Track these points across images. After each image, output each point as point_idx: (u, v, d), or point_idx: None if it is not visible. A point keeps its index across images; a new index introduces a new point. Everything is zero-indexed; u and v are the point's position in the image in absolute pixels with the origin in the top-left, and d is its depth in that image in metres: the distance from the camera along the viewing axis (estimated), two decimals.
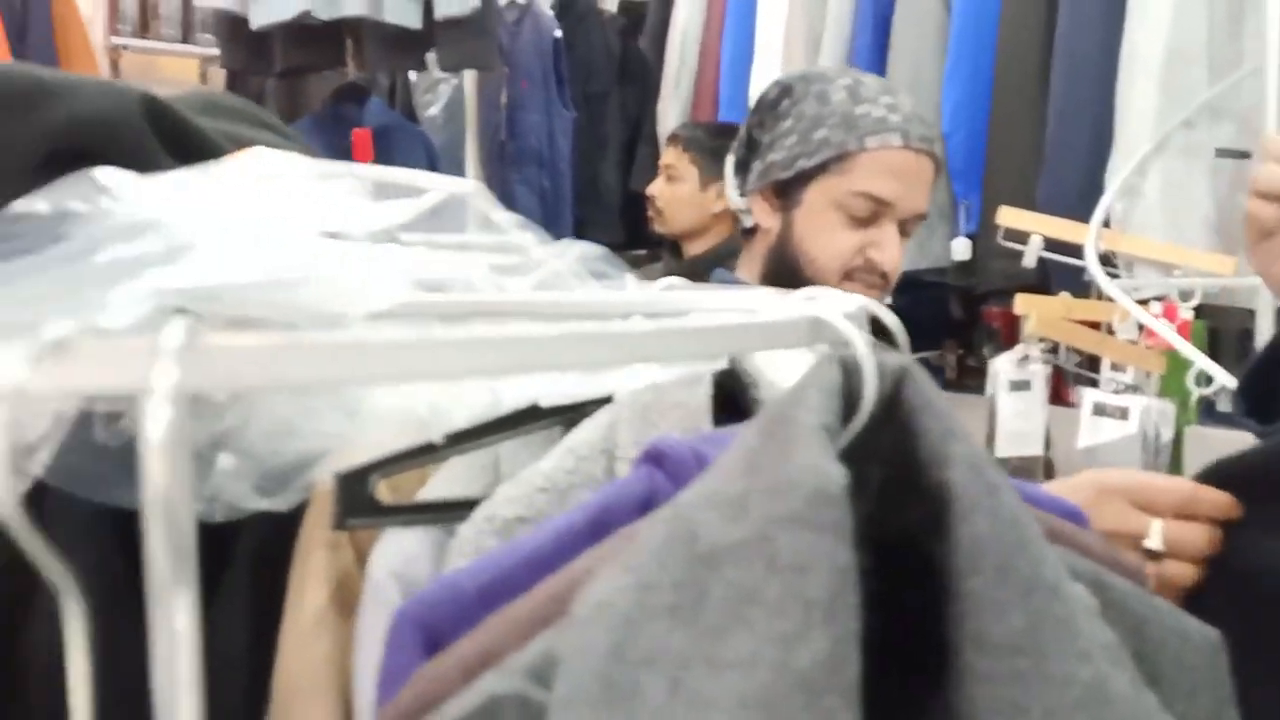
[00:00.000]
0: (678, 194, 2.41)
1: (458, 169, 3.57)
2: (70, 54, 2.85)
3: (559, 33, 3.48)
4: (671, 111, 2.97)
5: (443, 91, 3.38)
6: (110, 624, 0.72)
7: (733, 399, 0.79)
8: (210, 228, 0.49)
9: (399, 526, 0.64)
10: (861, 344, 0.38)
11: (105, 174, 0.45)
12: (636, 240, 3.77)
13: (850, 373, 0.40)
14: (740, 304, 0.66)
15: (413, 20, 2.16)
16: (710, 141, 2.41)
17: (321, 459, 0.67)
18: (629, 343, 0.34)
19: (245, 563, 0.68)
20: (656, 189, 2.51)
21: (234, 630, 0.65)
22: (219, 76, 3.37)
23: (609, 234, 3.72)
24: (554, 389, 0.71)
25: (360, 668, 0.62)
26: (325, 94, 3.01)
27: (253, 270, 0.50)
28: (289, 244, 0.54)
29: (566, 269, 0.62)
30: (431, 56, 2.48)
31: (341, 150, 2.42)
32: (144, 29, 3.09)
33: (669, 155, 2.47)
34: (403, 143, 2.59)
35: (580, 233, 3.69)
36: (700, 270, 2.42)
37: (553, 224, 3.65)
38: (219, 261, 0.49)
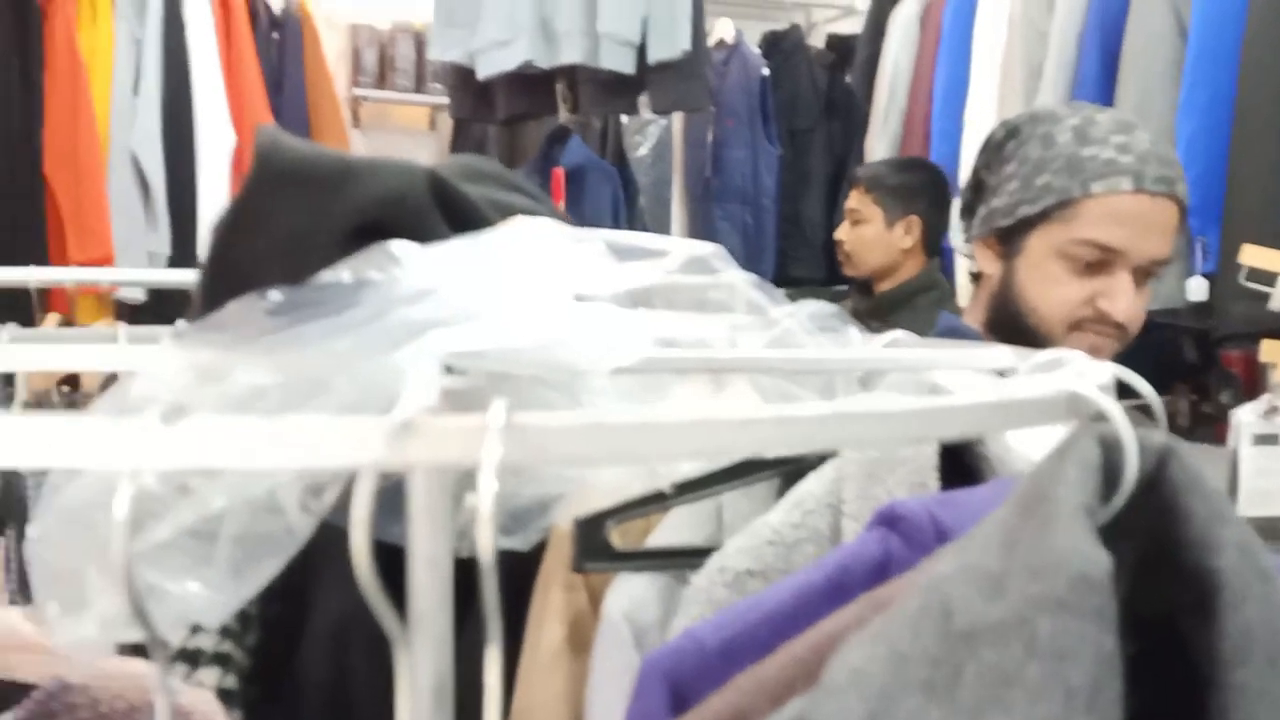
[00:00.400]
0: (864, 236, 2.40)
1: (664, 207, 3.65)
2: (319, 103, 3.11)
3: (766, 70, 3.51)
4: (879, 147, 2.94)
5: (651, 132, 3.47)
6: (363, 649, 0.78)
7: (956, 453, 0.78)
8: (479, 293, 0.54)
9: (631, 571, 0.67)
10: (1123, 421, 0.37)
11: (397, 246, 0.50)
12: (839, 276, 3.74)
13: (1109, 448, 0.39)
14: (976, 362, 0.65)
15: (627, 66, 2.24)
16: (892, 179, 2.40)
17: (558, 501, 0.71)
18: (893, 421, 0.35)
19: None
20: (843, 233, 2.51)
21: (475, 661, 0.69)
22: (446, 123, 3.60)
23: (811, 270, 3.71)
24: None
25: (593, 704, 0.65)
26: (540, 137, 3.16)
27: (512, 332, 0.54)
28: (544, 307, 0.58)
29: (799, 326, 0.64)
30: (644, 99, 2.55)
31: (547, 190, 2.53)
32: (382, 80, 3.34)
33: (853, 199, 2.46)
34: (594, 180, 2.68)
35: (783, 268, 3.69)
36: (887, 306, 2.40)
37: (755, 260, 3.67)
38: (485, 325, 0.53)
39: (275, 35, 3.03)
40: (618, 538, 0.71)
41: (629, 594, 0.67)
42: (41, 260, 2.73)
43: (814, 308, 0.65)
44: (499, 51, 2.30)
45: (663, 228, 3.60)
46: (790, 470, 0.77)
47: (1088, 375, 0.44)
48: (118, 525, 0.30)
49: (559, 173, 2.46)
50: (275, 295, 0.50)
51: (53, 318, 1.45)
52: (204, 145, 2.82)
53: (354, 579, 0.69)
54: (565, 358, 0.56)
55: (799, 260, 3.68)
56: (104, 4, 2.74)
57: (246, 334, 0.50)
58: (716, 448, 0.36)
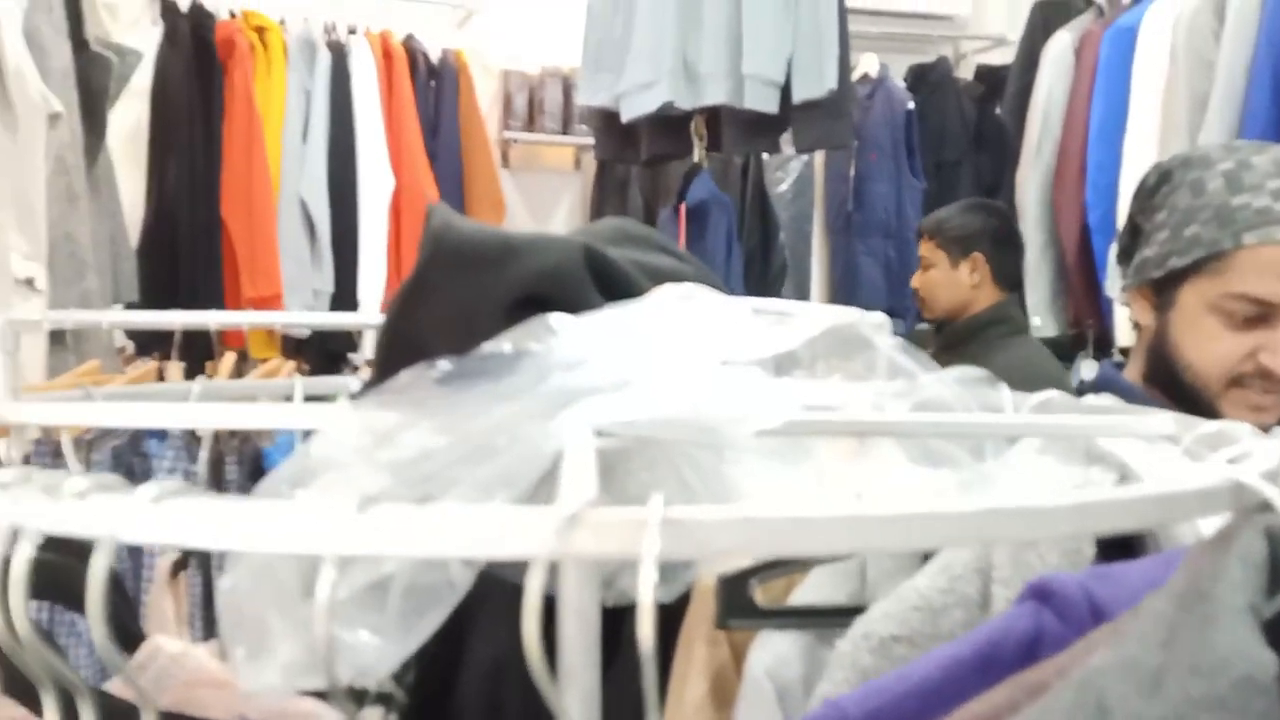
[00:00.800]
0: (933, 279, 2.50)
1: (805, 241, 3.64)
2: (472, 147, 3.25)
3: (911, 104, 3.47)
4: (1032, 180, 2.85)
5: (793, 168, 3.47)
6: (517, 690, 0.80)
7: None
8: (630, 361, 0.56)
9: (774, 629, 0.68)
10: None
11: (554, 318, 0.53)
12: None
13: (1275, 542, 0.38)
14: (1134, 428, 0.63)
15: (771, 106, 2.25)
16: (953, 223, 2.49)
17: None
18: (1046, 517, 0.35)
19: (631, 648, 0.74)
20: (917, 280, 2.62)
21: (622, 711, 0.71)
22: (591, 162, 3.68)
23: None
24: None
25: None
26: (680, 175, 3.20)
27: (660, 398, 0.56)
28: (691, 373, 0.59)
29: (950, 392, 0.64)
30: (786, 137, 2.55)
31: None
32: (531, 123, 3.45)
33: (921, 248, 2.56)
34: (714, 215, 2.69)
35: None
36: (956, 339, 2.46)
37: (898, 294, 3.61)
38: (635, 392, 0.55)
39: (433, 83, 3.17)
40: (761, 595, 0.71)
41: (772, 651, 0.68)
42: (219, 295, 2.93)
43: (961, 371, 0.64)
44: (643, 94, 2.34)
45: (803, 262, 3.59)
46: None
47: (1254, 458, 0.43)
48: (319, 608, 0.33)
49: (680, 209, 2.50)
50: (443, 365, 0.53)
51: (229, 357, 1.56)
52: (365, 189, 2.98)
53: (507, 623, 0.72)
54: (710, 422, 0.57)
55: None
56: (278, 58, 2.93)
57: (416, 400, 0.53)
58: (872, 543, 0.37)
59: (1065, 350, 3.16)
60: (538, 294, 0.55)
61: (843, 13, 2.23)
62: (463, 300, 0.53)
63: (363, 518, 0.32)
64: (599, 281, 0.59)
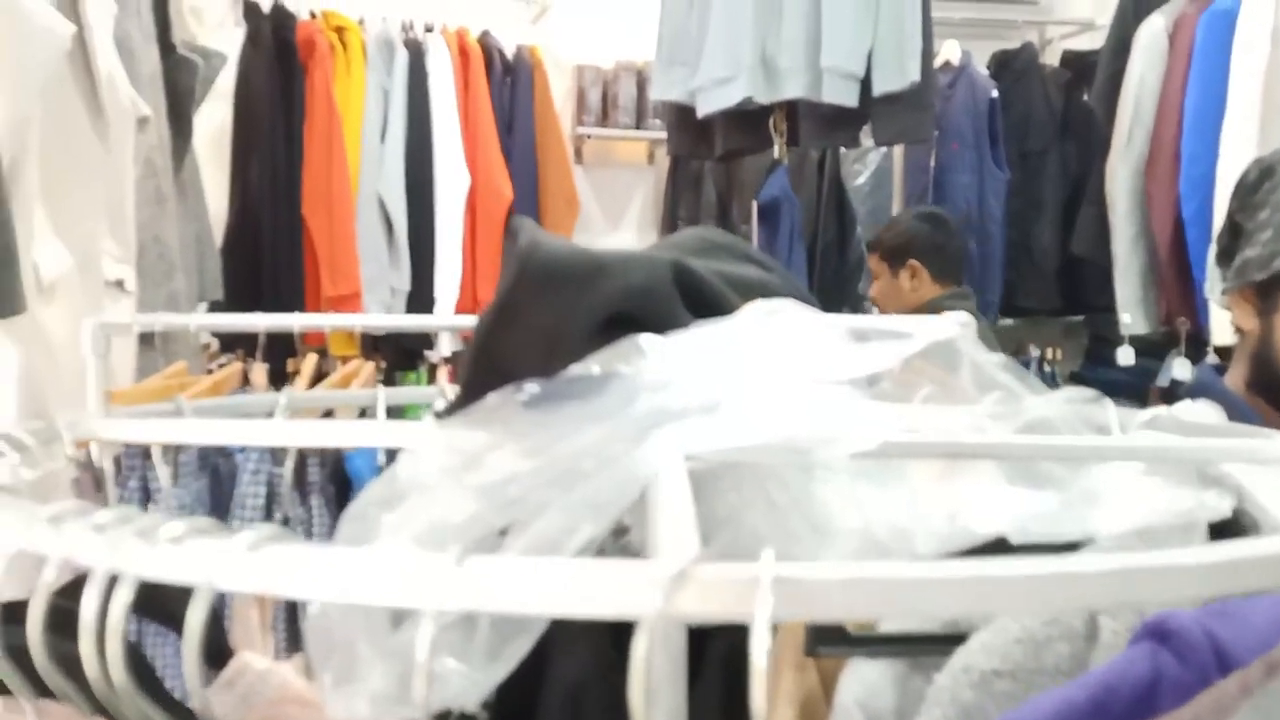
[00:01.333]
0: (882, 290, 2.65)
1: None
2: (546, 143, 3.25)
3: (995, 92, 3.38)
4: (1122, 170, 2.75)
5: (871, 160, 3.41)
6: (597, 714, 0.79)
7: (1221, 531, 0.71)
8: (720, 382, 0.54)
9: (865, 657, 0.65)
10: None
11: (643, 339, 0.52)
12: (1074, 305, 3.54)
13: None
14: (1254, 453, 0.60)
15: (850, 99, 2.20)
16: (887, 236, 2.65)
17: None
18: (1171, 577, 0.32)
19: (717, 668, 0.72)
20: (873, 291, 2.74)
21: None
22: (665, 156, 3.67)
23: (1043, 299, 3.52)
24: (1025, 523, 0.68)
25: None
26: (755, 169, 3.16)
27: (750, 420, 0.54)
28: (783, 393, 0.57)
29: (1055, 412, 0.61)
30: (865, 130, 2.50)
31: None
32: (604, 118, 3.44)
33: (870, 262, 2.72)
34: (784, 213, 2.65)
35: (1011, 297, 3.53)
36: None
37: (981, 288, 3.52)
38: (724, 414, 0.53)
39: (508, 79, 3.18)
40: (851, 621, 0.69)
41: (862, 680, 0.65)
42: (300, 292, 2.99)
43: (1071, 392, 0.61)
44: (720, 89, 2.31)
45: None
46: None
47: None
48: (419, 667, 0.32)
49: (754, 206, 2.47)
50: (531, 387, 0.52)
51: (311, 358, 1.59)
52: (442, 187, 3.00)
53: (587, 642, 0.70)
54: (803, 445, 0.55)
55: (1029, 288, 3.50)
56: (357, 58, 2.97)
57: (504, 422, 0.52)
58: (997, 607, 0.35)
59: (1157, 348, 3.05)
60: (626, 312, 0.54)
61: (926, 3, 2.17)
62: (551, 321, 0.51)
63: (462, 571, 0.31)
64: (687, 298, 0.57)
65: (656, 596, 0.29)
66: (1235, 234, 1.18)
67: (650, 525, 0.52)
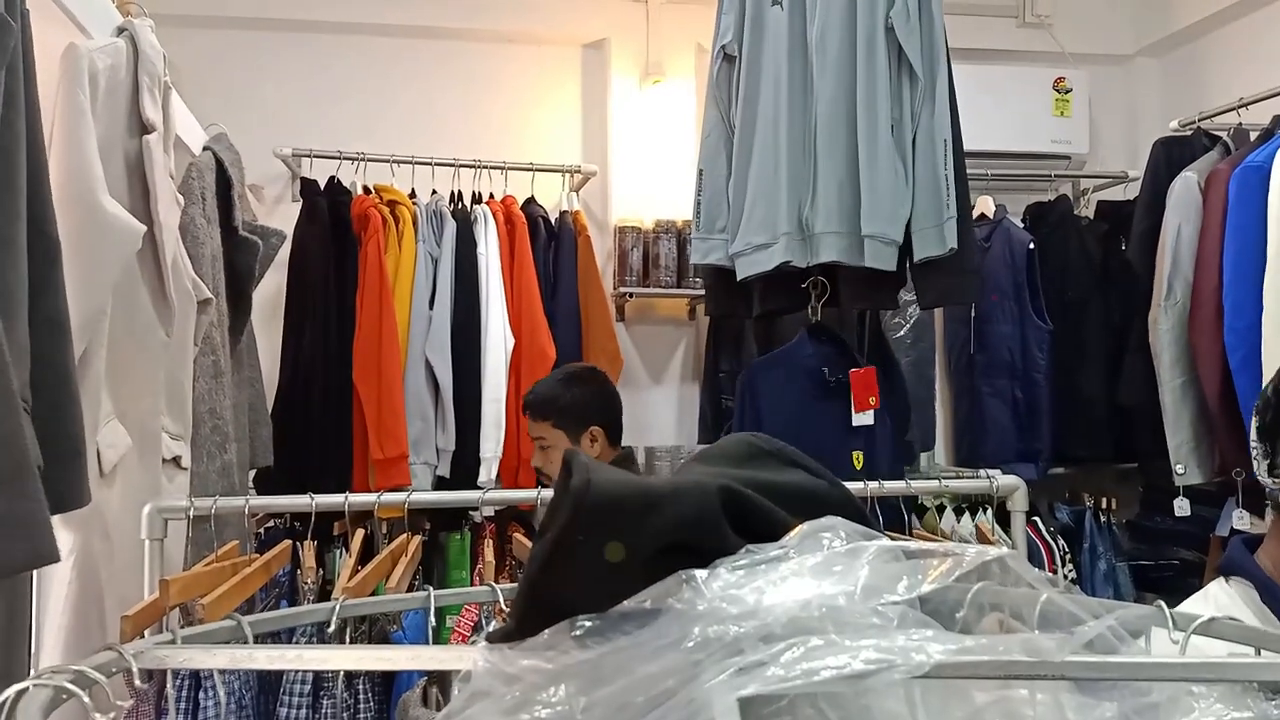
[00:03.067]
0: (555, 459, 2.48)
1: (927, 386, 3.57)
2: (589, 304, 3.33)
3: (1032, 244, 3.42)
4: (1164, 322, 2.75)
5: (911, 312, 3.44)
6: None
7: None
8: (772, 612, 0.54)
9: None
10: None
11: (695, 574, 0.52)
12: (1124, 453, 3.48)
13: None
14: None
15: (889, 264, 2.24)
16: (564, 400, 2.49)
17: None
18: None
19: None
20: (538, 460, 2.59)
21: None
22: (702, 312, 3.73)
23: (1094, 447, 3.48)
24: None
25: None
26: (794, 324, 3.20)
27: (805, 652, 0.54)
28: (835, 617, 0.57)
29: (1109, 630, 0.60)
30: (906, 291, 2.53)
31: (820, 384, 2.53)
32: (645, 277, 3.52)
33: (533, 428, 2.55)
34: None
35: (1061, 446, 3.48)
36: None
37: (1028, 435, 3.49)
38: (777, 647, 0.53)
39: (552, 244, 3.29)
40: None
41: None
42: (348, 455, 3.03)
43: (1124, 612, 0.60)
44: (758, 254, 2.37)
45: (925, 408, 3.52)
46: None
47: None
48: None
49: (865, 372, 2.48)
50: (585, 622, 0.52)
51: (359, 535, 1.60)
52: (488, 350, 3.07)
53: None
54: (858, 673, 0.55)
55: (1078, 437, 3.46)
56: (408, 229, 3.09)
57: (559, 657, 0.53)
58: None
59: (1214, 496, 2.98)
60: (678, 542, 0.54)
61: (962, 172, 2.23)
62: (605, 557, 0.52)
63: None
64: (736, 520, 0.58)
65: None
66: (1272, 435, 1.17)
67: None
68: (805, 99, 2.30)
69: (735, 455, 0.72)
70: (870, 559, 0.58)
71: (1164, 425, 2.79)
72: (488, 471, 3.05)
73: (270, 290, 3.04)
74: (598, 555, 0.52)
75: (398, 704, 0.94)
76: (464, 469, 3.07)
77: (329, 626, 0.77)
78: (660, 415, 3.77)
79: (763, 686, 0.48)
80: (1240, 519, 2.65)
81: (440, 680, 0.90)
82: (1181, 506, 2.79)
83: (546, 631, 0.53)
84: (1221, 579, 1.34)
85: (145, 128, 1.66)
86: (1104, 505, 3.44)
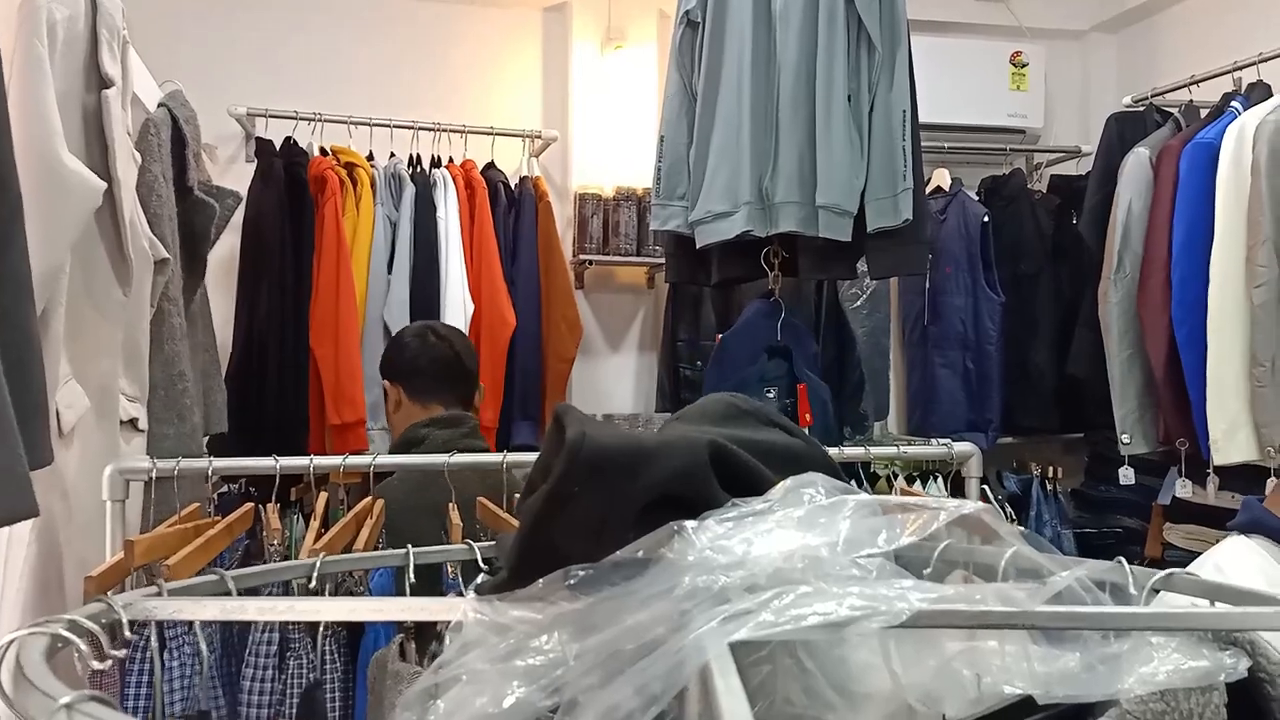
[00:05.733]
0: (389, 414, 2.41)
1: (882, 356, 3.62)
2: (550, 270, 3.32)
3: (987, 217, 3.47)
4: (1114, 294, 2.82)
5: (869, 283, 3.48)
6: None
7: (1247, 699, 0.72)
8: (757, 561, 0.56)
9: None
10: None
11: (685, 524, 0.54)
12: (1070, 423, 3.57)
13: None
14: (1264, 618, 0.61)
15: (844, 235, 2.27)
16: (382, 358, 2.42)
17: None
18: None
19: None
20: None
21: None
22: (661, 280, 3.74)
23: (1041, 418, 3.56)
24: (1051, 685, 0.69)
25: None
26: (752, 293, 3.23)
27: (789, 601, 0.56)
28: (819, 570, 0.59)
29: (1076, 583, 0.62)
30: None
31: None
32: (605, 244, 3.53)
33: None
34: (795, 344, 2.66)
35: (1010, 416, 3.56)
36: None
37: (980, 407, 3.56)
38: (764, 598, 0.55)
39: (512, 210, 3.27)
40: None
41: None
42: (304, 421, 3.00)
43: (1092, 565, 0.63)
44: (718, 223, 2.38)
45: (880, 377, 3.57)
46: (1064, 717, 0.74)
47: None
48: None
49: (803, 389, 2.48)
50: (579, 572, 0.54)
51: (323, 497, 1.60)
52: (447, 314, 3.05)
53: None
54: (839, 622, 0.57)
55: (1027, 408, 3.54)
56: (366, 192, 3.05)
57: (552, 606, 0.54)
58: None
59: (1156, 465, 3.07)
60: (667, 495, 0.56)
61: (917, 145, 2.25)
62: (598, 508, 0.54)
63: None
64: (724, 475, 0.60)
65: None
66: None
67: (688, 703, 0.53)
68: (769, 68, 2.31)
69: (715, 414, 0.73)
70: (850, 513, 0.60)
71: (1111, 396, 2.86)
72: None
73: (223, 253, 2.98)
74: (592, 507, 0.53)
75: (370, 661, 0.94)
76: None
77: (310, 582, 0.78)
78: (619, 383, 3.79)
79: (754, 632, 0.50)
80: (1183, 487, 2.74)
81: (418, 634, 0.91)
82: (1126, 475, 2.87)
83: (541, 581, 0.54)
84: (1240, 536, 1.42)
85: (104, 82, 1.62)
86: (1050, 474, 3.52)
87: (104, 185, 1.52)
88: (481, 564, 0.89)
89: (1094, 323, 2.96)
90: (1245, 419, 2.43)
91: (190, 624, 1.16)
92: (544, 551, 0.54)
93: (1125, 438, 2.80)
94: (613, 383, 3.77)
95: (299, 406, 2.99)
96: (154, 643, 0.70)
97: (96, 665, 0.52)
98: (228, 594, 0.69)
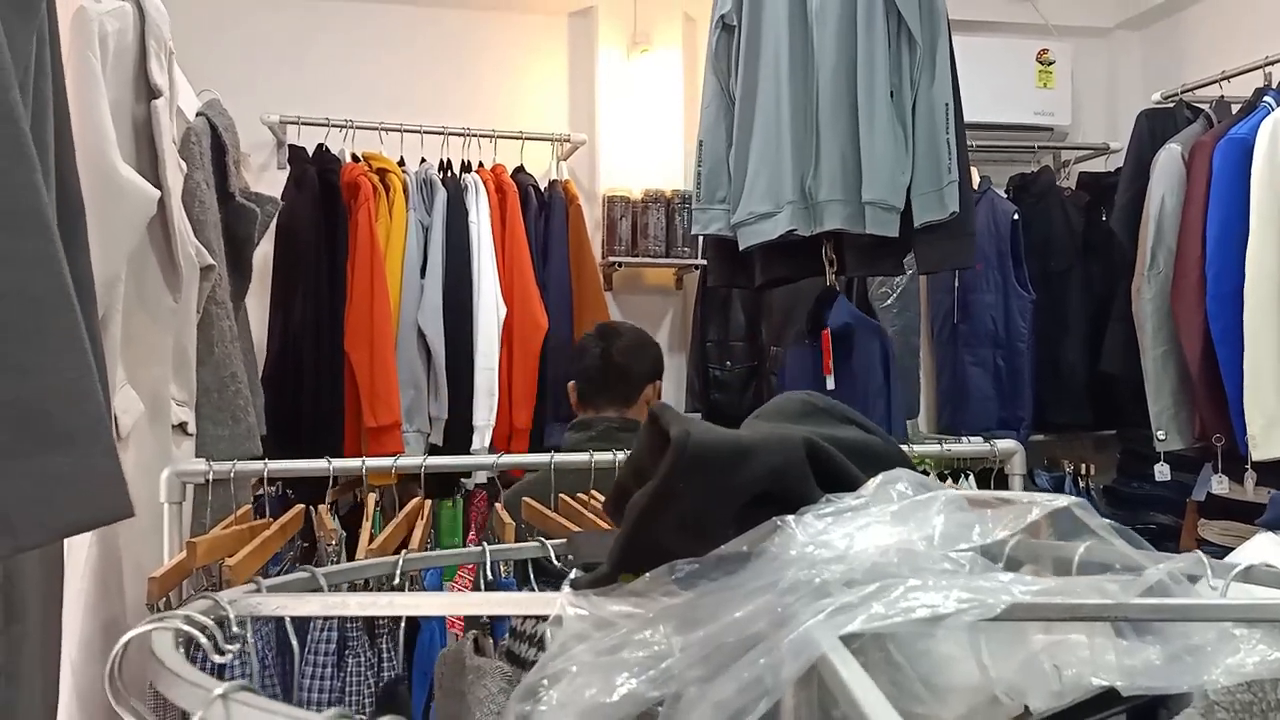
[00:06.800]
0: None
1: (912, 355, 3.62)
2: (580, 272, 3.34)
3: (1017, 215, 3.47)
4: (1148, 290, 2.81)
5: (897, 282, 3.48)
6: None
7: None
8: (856, 556, 0.57)
9: None
10: None
11: (787, 520, 0.55)
12: (1102, 420, 3.56)
13: None
14: None
15: (891, 230, 2.26)
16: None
17: None
18: None
19: None
20: None
21: None
22: (691, 281, 3.75)
23: (1074, 414, 3.54)
24: (1135, 676, 0.70)
25: None
26: (781, 293, 3.24)
27: (891, 595, 0.57)
28: (915, 560, 0.60)
29: (1167, 575, 0.63)
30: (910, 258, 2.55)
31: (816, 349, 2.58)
32: (634, 246, 3.54)
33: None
34: (861, 339, 2.67)
35: (1041, 412, 3.55)
36: None
37: (1010, 404, 3.55)
38: (864, 591, 0.56)
39: (543, 213, 3.29)
40: None
41: None
42: (340, 424, 3.03)
43: (1183, 559, 0.64)
44: (762, 224, 2.38)
45: (910, 376, 3.57)
46: (1144, 707, 0.75)
47: None
48: None
49: (826, 334, 2.50)
50: (684, 566, 0.55)
51: (372, 499, 1.62)
52: (480, 318, 3.07)
53: None
54: (945, 610, 0.58)
55: (1060, 404, 3.53)
56: (398, 197, 3.08)
57: (658, 601, 0.55)
58: None
59: (1190, 461, 3.06)
60: (767, 491, 0.57)
61: (961, 138, 2.25)
62: (702, 504, 0.55)
63: None
64: (817, 471, 0.61)
65: None
66: None
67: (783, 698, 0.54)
68: (806, 68, 2.32)
69: (792, 412, 0.74)
70: (943, 508, 0.61)
71: (1145, 392, 2.85)
72: (481, 439, 3.06)
73: (255, 259, 3.01)
74: (696, 502, 0.55)
75: (437, 659, 0.96)
76: (456, 437, 3.08)
77: (395, 579, 0.79)
78: None
79: (866, 624, 0.51)
80: (1220, 483, 2.72)
81: (490, 630, 0.93)
82: (1162, 472, 2.86)
83: (646, 575, 0.55)
84: (1269, 534, 1.42)
85: (152, 92, 1.65)
86: (1083, 471, 3.51)
87: (158, 193, 1.54)
88: (554, 560, 0.90)
89: (1127, 319, 2.95)
90: None
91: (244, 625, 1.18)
92: (646, 548, 0.55)
93: (1160, 434, 2.79)
94: None
95: (335, 410, 3.02)
96: (250, 638, 0.71)
97: (218, 659, 0.53)
98: (319, 591, 0.71)
